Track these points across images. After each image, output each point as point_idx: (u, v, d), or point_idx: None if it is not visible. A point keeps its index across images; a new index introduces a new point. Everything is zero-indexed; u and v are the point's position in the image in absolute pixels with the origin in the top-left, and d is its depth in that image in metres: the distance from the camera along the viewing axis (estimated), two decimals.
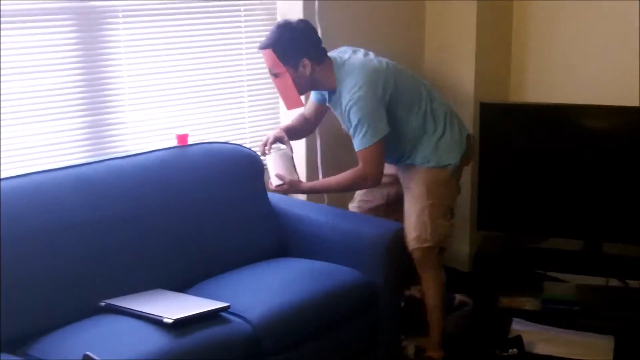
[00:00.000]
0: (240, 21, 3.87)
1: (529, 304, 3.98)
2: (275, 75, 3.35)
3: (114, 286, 2.96)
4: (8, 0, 3.08)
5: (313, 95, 3.64)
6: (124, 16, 3.44)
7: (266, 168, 3.55)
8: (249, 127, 4.00)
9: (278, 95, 3.52)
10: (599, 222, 3.90)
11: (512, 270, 4.08)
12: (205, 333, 2.69)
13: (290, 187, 3.40)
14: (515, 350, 3.56)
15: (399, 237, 3.40)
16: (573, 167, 3.90)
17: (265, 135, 3.58)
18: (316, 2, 3.87)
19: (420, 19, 4.47)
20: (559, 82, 4.34)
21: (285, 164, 3.38)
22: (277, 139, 3.50)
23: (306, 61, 3.30)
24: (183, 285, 3.14)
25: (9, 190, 2.85)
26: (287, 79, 3.33)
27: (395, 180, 3.66)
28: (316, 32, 3.40)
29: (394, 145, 3.44)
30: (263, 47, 3.32)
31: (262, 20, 3.93)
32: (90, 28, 3.35)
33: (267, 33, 3.35)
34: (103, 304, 2.85)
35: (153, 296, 2.94)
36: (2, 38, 3.09)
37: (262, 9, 3.95)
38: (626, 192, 3.81)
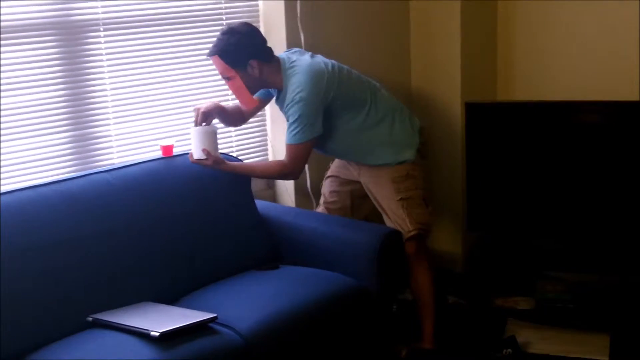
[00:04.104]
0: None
1: (523, 303, 3.97)
2: (227, 79, 3.42)
3: (102, 301, 2.94)
4: None
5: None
6: (105, 29, 3.43)
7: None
8: (235, 136, 3.99)
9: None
10: (592, 220, 3.88)
11: (505, 270, 4.07)
12: (193, 345, 2.67)
13: (213, 164, 3.40)
14: (510, 350, 3.54)
15: (390, 241, 3.37)
16: (562, 165, 3.88)
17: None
18: (298, 10, 3.86)
19: (405, 19, 4.46)
20: (547, 79, 4.33)
21: (211, 140, 3.39)
22: (206, 115, 3.44)
23: (254, 62, 3.37)
24: (173, 297, 3.12)
25: None
26: (239, 81, 3.40)
27: (356, 180, 3.72)
28: (261, 34, 3.48)
29: (340, 145, 3.55)
30: (211, 55, 3.38)
31: None
32: (71, 42, 3.34)
33: (214, 40, 3.40)
34: (90, 319, 2.84)
35: (140, 309, 2.92)
36: None
37: (245, 17, 3.92)
38: (618, 188, 3.79)
